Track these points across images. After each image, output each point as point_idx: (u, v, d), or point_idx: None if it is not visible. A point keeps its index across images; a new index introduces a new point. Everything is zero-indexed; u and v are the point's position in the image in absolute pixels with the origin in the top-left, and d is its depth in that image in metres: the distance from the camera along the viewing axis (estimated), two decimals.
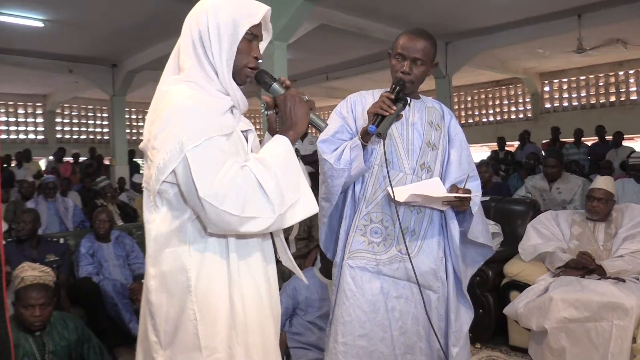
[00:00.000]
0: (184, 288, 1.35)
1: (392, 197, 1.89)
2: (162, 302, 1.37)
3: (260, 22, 1.45)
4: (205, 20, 1.38)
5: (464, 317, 2.09)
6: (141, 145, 1.44)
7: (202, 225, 1.35)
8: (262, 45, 1.52)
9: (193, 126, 1.29)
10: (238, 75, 1.44)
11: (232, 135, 1.41)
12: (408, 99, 1.99)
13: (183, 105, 1.32)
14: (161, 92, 1.40)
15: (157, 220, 1.39)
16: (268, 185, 1.28)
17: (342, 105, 2.13)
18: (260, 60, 1.47)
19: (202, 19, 1.39)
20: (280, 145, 1.37)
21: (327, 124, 1.52)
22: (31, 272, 2.65)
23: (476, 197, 2.00)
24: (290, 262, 1.59)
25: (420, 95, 2.16)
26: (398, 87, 1.93)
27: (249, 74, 1.46)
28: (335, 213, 2.13)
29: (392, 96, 1.89)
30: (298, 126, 1.42)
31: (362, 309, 1.99)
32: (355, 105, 2.10)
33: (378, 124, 1.85)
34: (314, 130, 2.92)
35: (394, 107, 1.86)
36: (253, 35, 1.43)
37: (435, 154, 2.07)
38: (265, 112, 1.53)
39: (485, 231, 2.08)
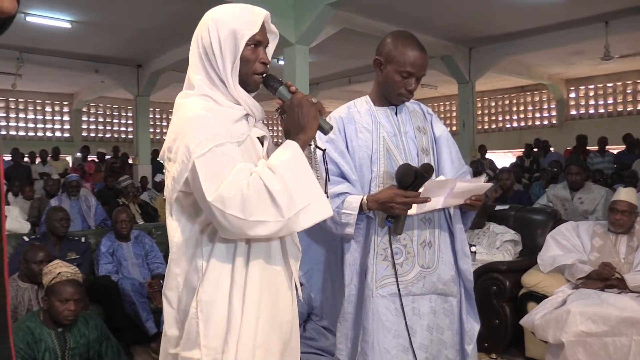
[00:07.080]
0: (194, 287, 1.40)
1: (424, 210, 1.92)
2: (183, 298, 1.44)
3: (264, 27, 1.46)
4: (208, 35, 1.41)
5: (473, 316, 2.10)
6: (160, 156, 1.47)
7: (215, 230, 1.38)
8: (271, 47, 1.53)
9: (201, 134, 1.31)
10: (248, 83, 1.46)
11: (245, 142, 1.43)
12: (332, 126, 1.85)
13: (193, 115, 1.36)
14: (176, 105, 1.45)
15: (177, 228, 1.44)
16: (275, 189, 1.28)
17: None
18: (268, 65, 1.48)
19: (205, 34, 1.42)
20: (289, 150, 1.37)
21: (332, 127, 1.49)
22: (66, 268, 2.75)
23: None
24: None
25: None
26: (422, 178, 1.82)
27: (258, 80, 1.47)
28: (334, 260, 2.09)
29: (409, 199, 1.82)
30: (307, 130, 1.41)
31: (403, 336, 1.95)
32: (344, 123, 2.01)
33: (393, 219, 1.88)
34: None
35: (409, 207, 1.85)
36: (257, 41, 1.44)
37: (430, 159, 2.03)
38: (279, 116, 1.52)
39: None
